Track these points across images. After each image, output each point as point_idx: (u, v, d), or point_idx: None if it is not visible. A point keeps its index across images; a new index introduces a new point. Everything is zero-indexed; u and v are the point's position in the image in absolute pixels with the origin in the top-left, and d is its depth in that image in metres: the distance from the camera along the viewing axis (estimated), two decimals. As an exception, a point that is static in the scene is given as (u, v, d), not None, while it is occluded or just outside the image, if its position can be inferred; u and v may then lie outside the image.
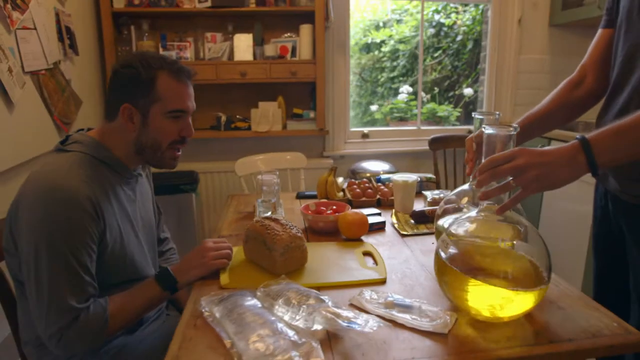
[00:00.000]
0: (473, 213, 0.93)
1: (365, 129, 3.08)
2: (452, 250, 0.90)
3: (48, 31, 1.88)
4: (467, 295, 0.86)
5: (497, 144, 0.89)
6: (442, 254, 0.90)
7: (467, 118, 3.60)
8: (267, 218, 1.20)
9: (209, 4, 2.50)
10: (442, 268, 0.90)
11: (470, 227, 0.94)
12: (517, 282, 0.83)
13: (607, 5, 1.24)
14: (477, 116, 1.18)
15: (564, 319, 0.89)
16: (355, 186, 1.76)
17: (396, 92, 4.35)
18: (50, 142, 1.85)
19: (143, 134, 1.11)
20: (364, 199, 1.68)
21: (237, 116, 2.75)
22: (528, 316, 0.89)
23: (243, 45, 2.62)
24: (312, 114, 2.77)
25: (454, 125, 3.46)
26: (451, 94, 3.96)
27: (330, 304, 0.89)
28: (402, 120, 3.48)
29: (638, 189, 1.05)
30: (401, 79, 4.40)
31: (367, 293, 0.98)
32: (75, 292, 0.97)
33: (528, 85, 3.16)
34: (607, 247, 1.25)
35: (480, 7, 3.30)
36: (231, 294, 0.97)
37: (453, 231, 0.93)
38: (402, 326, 0.87)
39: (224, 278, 1.08)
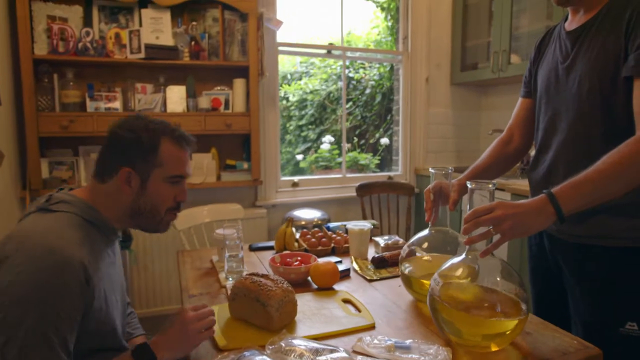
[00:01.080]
0: (462, 256, 1.05)
1: (295, 178, 3.18)
2: (446, 290, 1.01)
3: (-27, 81, 1.73)
4: (466, 329, 0.97)
5: (479, 197, 1.03)
6: (438, 298, 1.00)
7: (385, 165, 3.88)
8: (254, 274, 1.21)
9: (142, 55, 2.47)
10: (440, 307, 1.00)
11: (458, 269, 1.06)
12: (506, 315, 0.96)
13: (524, 80, 1.50)
14: (431, 170, 1.34)
15: (536, 342, 1.04)
16: (309, 236, 1.83)
17: (305, 139, 4.56)
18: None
19: (140, 198, 1.08)
20: (320, 248, 1.75)
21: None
22: (511, 343, 1.02)
23: (176, 97, 2.61)
24: (245, 165, 2.80)
25: (374, 172, 3.70)
26: (363, 141, 4.25)
27: (343, 353, 0.94)
28: (327, 168, 3.65)
29: (574, 229, 1.25)
30: (310, 126, 4.63)
31: (367, 339, 1.04)
32: None
33: (437, 135, 3.53)
34: (544, 279, 1.45)
35: (387, 64, 3.64)
36: (241, 355, 0.96)
37: (444, 274, 1.04)
38: (410, 366, 0.95)
39: (220, 339, 1.07)
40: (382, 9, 3.80)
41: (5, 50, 2.29)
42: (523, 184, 2.54)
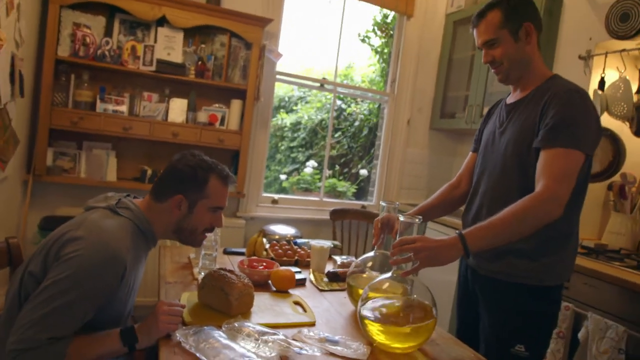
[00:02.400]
0: (389, 274, 1.32)
1: (276, 196, 3.45)
2: (371, 303, 1.28)
3: (5, 74, 1.99)
4: (381, 334, 1.23)
5: (407, 227, 1.31)
6: (364, 304, 1.27)
7: (361, 194, 4.16)
8: (222, 269, 1.47)
9: (153, 68, 2.76)
10: (363, 315, 1.26)
11: (384, 285, 1.33)
12: (416, 322, 1.23)
13: (475, 137, 1.80)
14: (382, 204, 1.62)
15: (441, 352, 1.30)
16: (277, 247, 2.09)
17: (294, 160, 4.83)
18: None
19: (185, 220, 1.38)
20: (284, 258, 2.00)
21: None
22: (421, 349, 1.28)
23: (178, 108, 2.88)
24: (232, 177, 3.06)
25: (350, 199, 3.98)
26: (346, 170, 4.53)
27: (282, 336, 1.20)
28: (307, 190, 3.92)
29: (489, 266, 1.54)
30: (300, 149, 4.91)
31: (305, 331, 1.30)
32: (55, 330, 1.09)
33: (412, 173, 3.83)
34: (466, 303, 1.73)
35: (378, 104, 3.96)
36: (200, 328, 1.21)
37: (371, 288, 1.31)
38: (333, 355, 1.20)
39: (187, 316, 1.32)
40: (376, 52, 4.14)
41: (33, 49, 2.57)
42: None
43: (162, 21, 2.82)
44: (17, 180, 2.54)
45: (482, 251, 1.37)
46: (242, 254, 2.07)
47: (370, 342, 1.28)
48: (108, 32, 2.78)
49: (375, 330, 1.24)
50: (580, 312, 1.95)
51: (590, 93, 2.56)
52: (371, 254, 1.60)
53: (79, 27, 2.67)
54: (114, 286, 1.21)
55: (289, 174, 4.42)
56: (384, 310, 1.27)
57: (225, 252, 2.09)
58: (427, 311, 1.26)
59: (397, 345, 1.23)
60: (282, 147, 5.07)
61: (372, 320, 1.24)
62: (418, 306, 1.28)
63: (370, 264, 1.59)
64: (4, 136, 2.05)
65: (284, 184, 4.07)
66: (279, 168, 4.77)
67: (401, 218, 1.32)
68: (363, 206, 3.69)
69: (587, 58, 2.61)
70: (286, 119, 4.88)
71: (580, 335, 1.89)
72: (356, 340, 1.28)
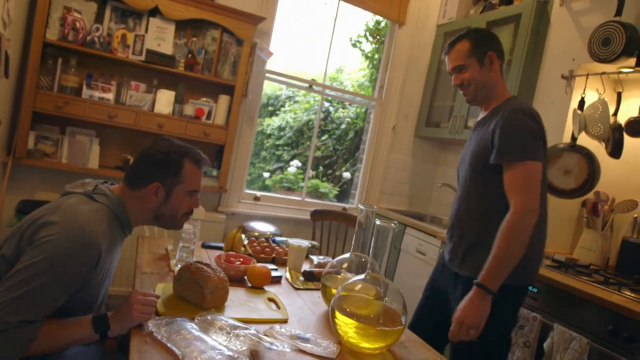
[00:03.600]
0: (362, 276, 1.35)
1: (258, 193, 3.46)
2: (343, 301, 1.30)
3: (-10, 55, 1.97)
4: (351, 333, 1.25)
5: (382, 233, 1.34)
6: (336, 303, 1.29)
7: (343, 197, 4.19)
8: (198, 262, 1.48)
9: (142, 58, 2.75)
10: (335, 313, 1.29)
11: (357, 286, 1.36)
12: (386, 325, 1.26)
13: None
14: (361, 207, 1.64)
15: (409, 354, 1.34)
16: (255, 244, 2.10)
17: (279, 159, 4.85)
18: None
19: (163, 206, 1.39)
20: (262, 255, 2.02)
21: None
22: (390, 350, 1.31)
23: (165, 100, 2.88)
24: (214, 172, 3.07)
25: (331, 201, 4.01)
26: (330, 171, 4.57)
27: (253, 331, 1.21)
28: (290, 189, 3.94)
29: (465, 268, 1.68)
30: (285, 148, 4.93)
31: (277, 327, 1.32)
32: (25, 314, 1.08)
33: (394, 178, 3.87)
34: (434, 289, 1.93)
35: (365, 109, 4.00)
36: (173, 319, 1.23)
37: (345, 289, 1.34)
38: (303, 352, 1.23)
39: (160, 307, 1.33)
40: (367, 57, 4.18)
41: (21, 30, 2.54)
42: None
43: (154, 12, 2.81)
44: (-4, 161, 2.51)
45: (458, 257, 1.72)
46: (220, 248, 2.09)
47: (340, 341, 1.31)
48: (99, 18, 2.77)
49: (345, 328, 1.27)
50: (547, 323, 2.01)
51: (570, 112, 2.64)
52: (347, 255, 1.63)
53: (69, 12, 2.65)
54: (88, 272, 1.21)
55: (272, 172, 4.43)
56: (355, 309, 1.30)
57: (204, 246, 2.10)
58: (397, 316, 1.30)
59: (366, 345, 1.26)
60: (268, 145, 5.08)
61: (344, 318, 1.27)
62: (389, 310, 1.31)
63: (345, 265, 1.62)
64: (-15, 116, 2.03)
65: (267, 182, 4.08)
66: (263, 165, 4.78)
67: (377, 222, 1.35)
68: (344, 208, 3.72)
69: (569, 78, 2.68)
70: (271, 123, 4.89)
71: (545, 345, 1.95)
72: (327, 339, 1.30)
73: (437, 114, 3.77)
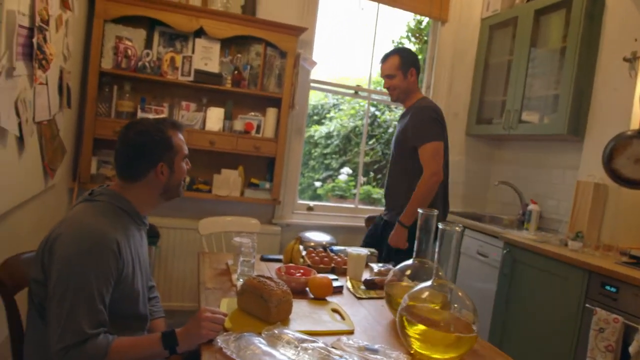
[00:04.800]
0: (427, 283, 1.31)
1: (311, 203, 3.46)
2: (411, 310, 1.26)
3: (54, 86, 2.08)
4: (422, 342, 1.21)
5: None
6: (404, 312, 1.25)
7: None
8: (261, 276, 1.48)
9: (191, 78, 2.83)
10: (403, 322, 1.24)
11: (424, 293, 1.31)
12: (458, 332, 1.20)
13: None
14: (420, 211, 1.58)
15: (484, 364, 1.27)
16: (314, 254, 2.09)
17: (327, 167, 4.84)
18: (39, 186, 2.01)
19: (170, 180, 1.41)
20: (321, 266, 2.00)
21: (200, 179, 3.00)
22: (463, 358, 1.25)
23: (215, 117, 2.94)
24: (267, 185, 3.10)
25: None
26: (380, 176, 4.51)
27: (321, 344, 1.19)
28: (342, 197, 3.92)
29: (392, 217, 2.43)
30: (333, 156, 4.92)
31: (344, 339, 1.29)
32: (89, 319, 1.15)
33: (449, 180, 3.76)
34: (371, 236, 2.65)
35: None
36: (240, 335, 1.23)
37: (411, 297, 1.30)
38: (374, 364, 1.19)
39: (227, 322, 1.33)
40: (411, 58, 4.11)
41: (79, 62, 2.68)
42: (516, 235, 2.75)
43: (199, 32, 2.89)
44: (63, 187, 2.65)
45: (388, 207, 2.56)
46: (279, 261, 2.09)
47: (410, 351, 1.26)
48: (148, 44, 2.87)
49: (415, 338, 1.22)
50: (630, 325, 1.87)
51: (636, 96, 2.47)
52: (409, 262, 1.58)
53: (121, 40, 2.76)
54: (115, 263, 1.23)
55: (323, 180, 4.43)
56: (424, 317, 1.26)
57: (263, 259, 2.11)
58: (468, 322, 1.24)
59: (438, 354, 1.21)
60: (315, 154, 5.09)
61: (413, 327, 1.22)
62: (459, 316, 1.26)
63: (408, 272, 1.57)
64: (52, 146, 2.14)
65: (319, 191, 4.08)
66: (312, 175, 4.79)
67: (440, 226, 1.30)
68: (398, 213, 3.66)
69: (632, 60, 2.51)
70: (319, 130, 4.90)
71: (631, 349, 1.81)
72: (396, 349, 1.26)
73: (488, 110, 3.65)
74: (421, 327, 1.21)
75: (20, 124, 1.67)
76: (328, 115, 5.13)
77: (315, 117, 5.17)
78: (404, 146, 2.40)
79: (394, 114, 4.67)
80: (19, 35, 1.58)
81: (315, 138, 4.92)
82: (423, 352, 1.22)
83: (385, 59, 2.45)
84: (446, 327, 1.23)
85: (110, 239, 1.23)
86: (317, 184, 4.12)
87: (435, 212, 1.57)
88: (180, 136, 1.45)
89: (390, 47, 3.99)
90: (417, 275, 1.55)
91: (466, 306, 1.28)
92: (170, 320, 1.68)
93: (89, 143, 2.69)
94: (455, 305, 1.29)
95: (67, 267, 1.17)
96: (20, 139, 1.71)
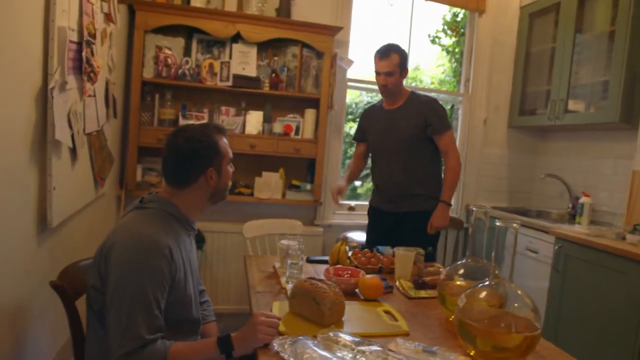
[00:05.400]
0: (485, 282, 1.26)
1: (352, 202, 3.44)
2: (469, 310, 1.22)
3: (101, 98, 2.14)
4: (481, 344, 1.17)
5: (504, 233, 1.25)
6: (462, 313, 1.22)
7: (436, 198, 4.02)
8: (312, 278, 1.47)
9: (230, 83, 2.86)
10: (461, 323, 1.21)
11: (481, 293, 1.27)
12: (519, 333, 1.16)
13: (358, 129, 2.77)
14: (472, 208, 1.54)
15: (548, 366, 1.22)
16: (360, 255, 2.07)
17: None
18: (90, 195, 2.07)
19: (219, 184, 1.43)
20: (369, 266, 1.98)
21: (241, 182, 3.03)
22: (525, 361, 1.21)
23: (254, 120, 2.96)
24: (308, 186, 3.10)
25: (425, 203, 3.87)
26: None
27: (379, 347, 1.17)
28: (382, 196, 3.86)
29: (399, 207, 2.53)
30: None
31: (400, 341, 1.27)
32: (147, 325, 1.17)
33: (490, 174, 3.67)
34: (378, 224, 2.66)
35: (450, 105, 3.84)
36: (296, 338, 1.22)
37: (468, 297, 1.26)
38: (433, 367, 1.16)
39: (281, 326, 1.33)
40: (447, 52, 4.02)
41: (122, 74, 2.75)
42: (568, 229, 2.65)
43: (236, 38, 2.92)
44: (112, 195, 2.73)
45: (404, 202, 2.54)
46: (325, 262, 2.08)
47: (468, 352, 1.23)
48: (187, 52, 2.92)
49: (474, 339, 1.19)
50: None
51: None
52: (462, 261, 1.54)
53: (161, 50, 2.82)
54: (168, 268, 1.25)
55: (362, 179, 4.39)
56: (483, 318, 1.22)
57: (309, 261, 2.10)
58: (529, 322, 1.19)
59: (499, 355, 1.17)
60: (351, 153, 5.05)
61: (472, 328, 1.19)
62: (520, 316, 1.21)
63: (461, 271, 1.53)
64: (102, 155, 2.20)
65: (359, 191, 4.04)
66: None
67: (497, 223, 1.26)
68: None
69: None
70: (352, 127, 4.86)
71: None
72: (453, 351, 1.23)
73: (531, 101, 3.53)
74: (481, 328, 1.18)
75: (72, 136, 1.72)
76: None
77: (350, 116, 5.13)
78: (415, 136, 2.47)
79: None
80: (69, 50, 1.63)
81: (349, 138, 4.88)
82: (484, 353, 1.18)
83: (386, 55, 2.44)
84: (507, 328, 1.18)
85: (162, 245, 1.25)
86: (357, 183, 4.09)
87: (489, 208, 1.53)
88: (225, 140, 1.46)
89: (422, 43, 3.94)
90: (471, 274, 1.51)
91: (526, 305, 1.23)
92: (220, 324, 1.70)
93: (134, 152, 2.76)
94: (516, 305, 1.24)
95: (122, 274, 1.19)
96: (73, 150, 1.77)
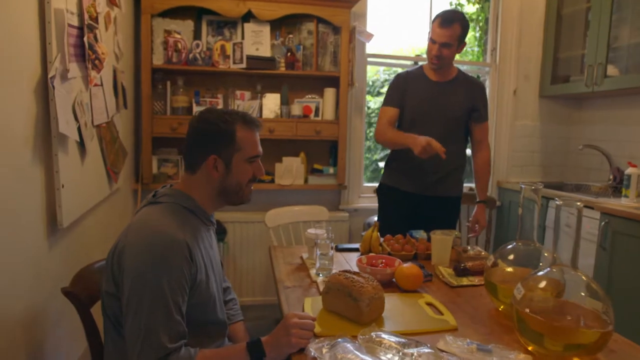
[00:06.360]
0: (547, 269, 1.11)
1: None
2: (529, 301, 1.07)
3: (109, 87, 2.02)
4: (546, 339, 1.03)
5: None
6: (520, 305, 1.07)
7: (465, 176, 3.84)
8: (346, 271, 1.33)
9: (243, 65, 2.71)
10: (524, 315, 1.06)
11: (540, 282, 1.12)
12: (588, 326, 1.01)
13: (394, 96, 2.35)
14: (522, 185, 1.38)
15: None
16: (393, 241, 1.92)
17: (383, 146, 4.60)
18: (104, 191, 1.96)
19: (226, 180, 1.26)
20: (403, 253, 1.84)
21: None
22: (596, 357, 1.06)
23: (271, 104, 2.82)
24: (331, 170, 2.95)
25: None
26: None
27: (429, 349, 1.03)
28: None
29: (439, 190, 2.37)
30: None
31: (449, 338, 1.13)
32: (168, 332, 1.06)
33: (522, 148, 3.46)
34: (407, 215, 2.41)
35: (476, 76, 3.62)
36: (334, 341, 1.09)
37: (526, 286, 1.11)
38: (492, 368, 1.02)
39: (316, 327, 1.20)
40: (471, 20, 3.79)
41: (131, 62, 2.62)
42: (614, 203, 2.46)
43: (247, 17, 2.76)
44: (127, 190, 2.62)
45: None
46: (355, 250, 1.94)
47: (529, 349, 1.08)
48: (197, 34, 2.78)
49: (537, 334, 1.04)
50: None
51: None
52: (512, 244, 1.38)
53: (170, 34, 2.68)
54: (188, 268, 1.13)
55: (383, 158, 4.23)
56: (546, 310, 1.07)
57: (338, 249, 1.97)
58: (597, 314, 1.03)
59: (566, 352, 1.02)
60: (370, 134, 4.88)
61: (534, 322, 1.04)
62: (587, 307, 1.06)
63: (511, 256, 1.38)
64: (113, 148, 2.09)
65: (382, 172, 3.89)
66: (369, 155, 4.59)
67: (557, 202, 1.10)
68: (471, 189, 3.40)
69: None
70: (371, 102, 4.69)
71: None
72: (511, 348, 1.08)
73: (564, 67, 3.30)
74: (547, 322, 1.03)
75: (79, 128, 1.60)
76: (382, 90, 4.88)
77: (368, 94, 4.95)
78: (463, 117, 2.32)
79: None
80: (69, 35, 1.50)
81: (370, 114, 4.72)
82: (548, 350, 1.03)
83: (449, 24, 2.14)
84: (575, 320, 1.03)
85: (179, 242, 1.12)
86: (381, 164, 3.93)
87: (541, 185, 1.37)
88: (252, 134, 1.27)
89: (451, 7, 3.72)
90: (522, 259, 1.36)
91: (594, 294, 1.07)
92: (247, 322, 1.59)
93: (148, 143, 2.65)
94: (582, 294, 1.09)
95: (138, 278, 1.07)
96: (81, 144, 1.66)
